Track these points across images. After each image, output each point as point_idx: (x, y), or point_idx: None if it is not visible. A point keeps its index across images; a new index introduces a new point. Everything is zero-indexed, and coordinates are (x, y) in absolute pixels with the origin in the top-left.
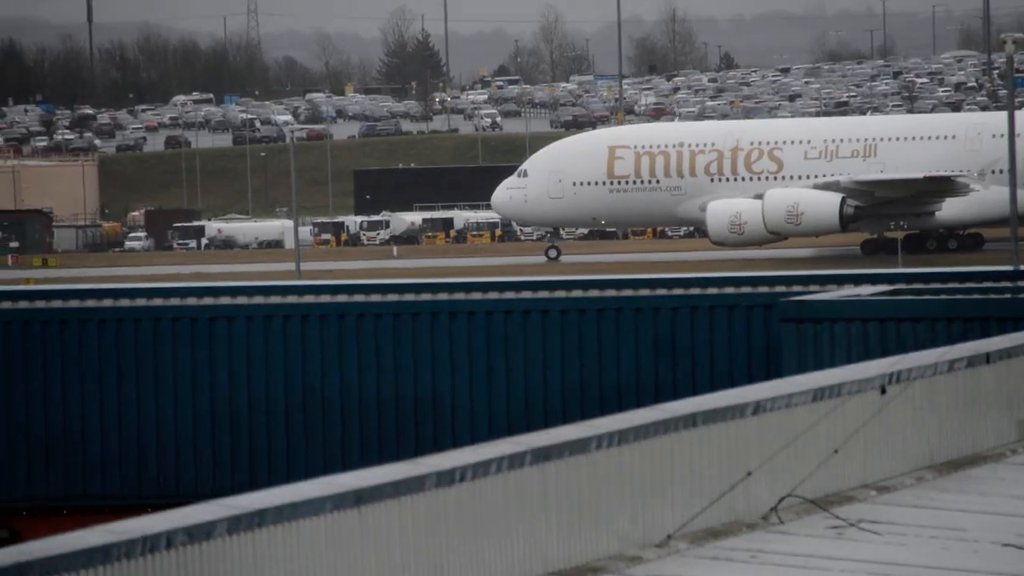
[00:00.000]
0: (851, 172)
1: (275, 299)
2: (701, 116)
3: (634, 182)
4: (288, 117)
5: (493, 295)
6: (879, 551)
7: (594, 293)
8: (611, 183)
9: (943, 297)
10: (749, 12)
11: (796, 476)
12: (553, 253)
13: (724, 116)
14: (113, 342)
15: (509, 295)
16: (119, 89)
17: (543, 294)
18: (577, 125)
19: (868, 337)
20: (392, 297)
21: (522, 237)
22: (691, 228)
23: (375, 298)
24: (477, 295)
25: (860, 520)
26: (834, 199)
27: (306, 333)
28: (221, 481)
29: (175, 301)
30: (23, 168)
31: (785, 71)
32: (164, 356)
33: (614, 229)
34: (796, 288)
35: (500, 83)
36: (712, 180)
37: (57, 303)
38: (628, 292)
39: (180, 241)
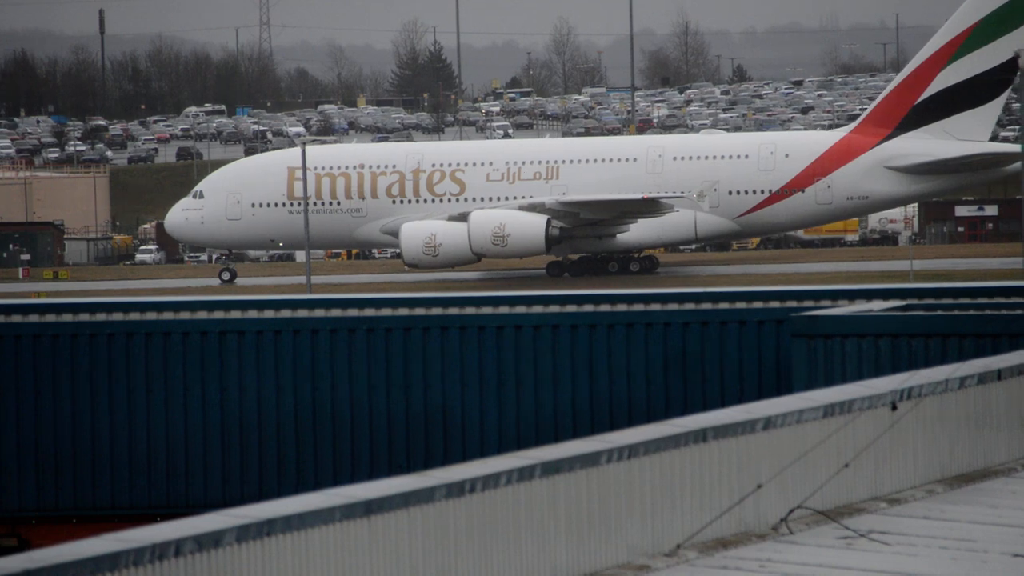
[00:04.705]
0: (533, 194)
1: (285, 313)
2: (714, 128)
3: (314, 203)
4: (300, 128)
5: (504, 309)
6: (888, 561)
7: (605, 308)
8: (291, 204)
9: (955, 313)
10: (762, 25)
11: (806, 489)
12: (227, 275)
13: (737, 128)
14: (123, 356)
15: (520, 309)
16: (131, 100)
17: (554, 308)
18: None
19: (879, 353)
20: (402, 311)
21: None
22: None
23: (385, 312)
24: (488, 309)
25: (870, 531)
26: (540, 220)
27: (316, 347)
28: (230, 493)
29: (185, 315)
30: (34, 180)
31: (798, 84)
32: (174, 369)
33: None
34: (807, 303)
35: (512, 95)
36: (394, 202)
37: (67, 317)
38: (639, 307)
39: (191, 254)
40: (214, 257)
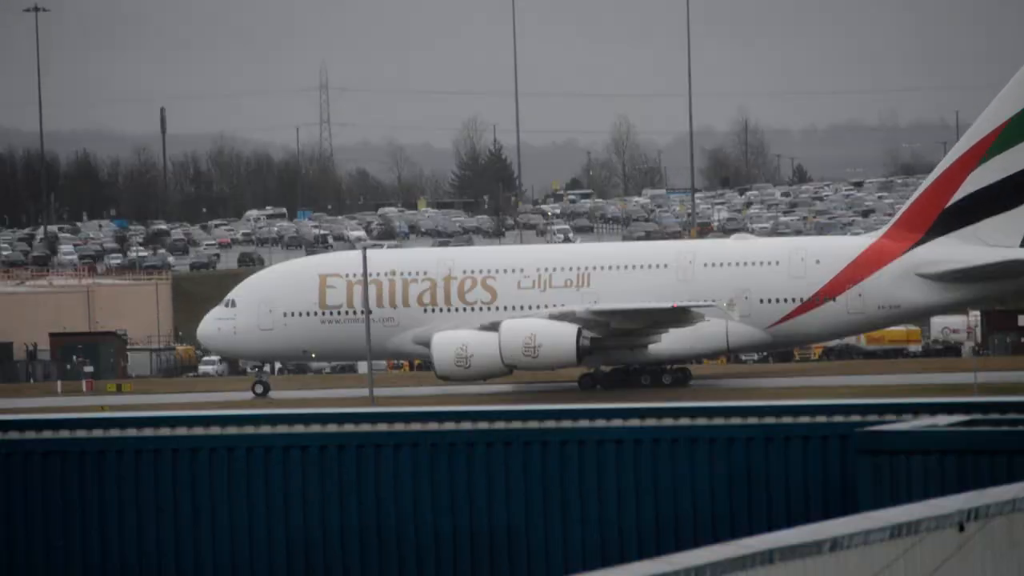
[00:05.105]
0: (564, 302)
1: (348, 427)
2: (774, 232)
3: (346, 312)
4: (361, 232)
5: (567, 423)
6: None
7: (667, 422)
8: (323, 313)
9: (1021, 429)
10: (822, 123)
11: None
12: (260, 389)
13: (798, 232)
14: (188, 472)
15: (582, 423)
16: (192, 203)
17: (616, 423)
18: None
19: (945, 469)
20: (466, 425)
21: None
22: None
23: (449, 426)
24: (550, 423)
25: None
26: (571, 330)
27: (380, 463)
28: None
29: (249, 429)
30: (96, 288)
31: (859, 185)
32: (238, 486)
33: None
34: (871, 417)
35: (572, 197)
36: (425, 311)
37: (131, 432)
38: (702, 421)
39: (254, 366)
40: (276, 369)
